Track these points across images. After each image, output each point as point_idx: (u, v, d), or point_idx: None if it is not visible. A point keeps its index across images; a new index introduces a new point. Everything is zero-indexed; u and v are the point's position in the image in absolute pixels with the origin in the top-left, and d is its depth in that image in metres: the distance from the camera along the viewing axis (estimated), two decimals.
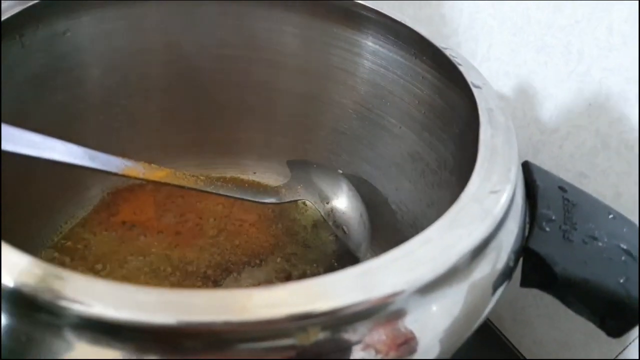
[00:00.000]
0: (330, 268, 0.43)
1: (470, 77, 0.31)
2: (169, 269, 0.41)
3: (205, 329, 0.18)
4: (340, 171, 0.45)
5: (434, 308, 0.21)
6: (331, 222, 0.42)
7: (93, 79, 0.39)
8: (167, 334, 0.18)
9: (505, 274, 0.24)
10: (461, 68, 0.31)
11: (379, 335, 0.20)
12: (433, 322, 0.21)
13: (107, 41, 0.39)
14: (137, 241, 0.42)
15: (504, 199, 0.24)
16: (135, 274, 0.40)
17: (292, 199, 0.42)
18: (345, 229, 0.42)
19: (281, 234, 0.44)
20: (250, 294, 0.18)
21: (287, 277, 0.42)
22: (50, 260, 0.40)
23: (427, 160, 0.40)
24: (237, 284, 0.41)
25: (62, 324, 0.18)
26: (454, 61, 0.32)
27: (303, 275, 0.42)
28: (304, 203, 0.45)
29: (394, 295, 0.19)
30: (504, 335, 0.51)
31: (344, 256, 0.44)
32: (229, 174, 0.49)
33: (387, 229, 0.44)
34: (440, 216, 0.38)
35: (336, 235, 0.44)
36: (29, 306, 0.18)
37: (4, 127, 0.23)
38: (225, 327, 0.18)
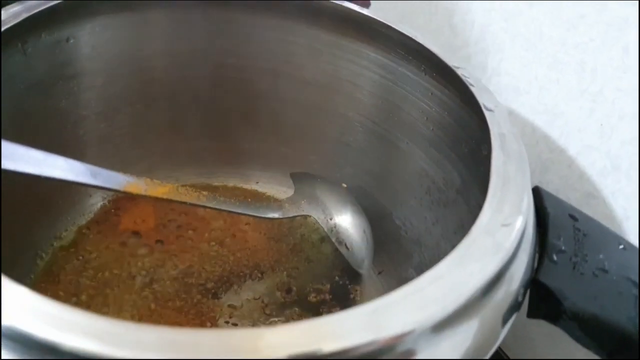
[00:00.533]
0: (331, 283, 0.42)
1: (482, 99, 0.30)
2: (168, 282, 0.40)
3: None
4: (345, 185, 0.44)
5: (444, 346, 0.20)
6: (334, 238, 0.41)
7: (95, 86, 0.39)
8: None
9: (515, 307, 0.24)
10: (473, 89, 0.31)
11: None
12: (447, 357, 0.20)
13: (110, 49, 0.38)
14: (136, 251, 0.41)
15: (516, 232, 0.23)
16: (134, 285, 0.39)
17: (296, 214, 0.41)
18: (348, 246, 0.41)
19: (283, 246, 0.44)
20: (261, 334, 0.18)
21: (288, 291, 0.41)
22: (49, 269, 0.39)
23: (433, 177, 0.39)
24: (237, 296, 0.40)
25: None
26: (465, 81, 0.31)
27: (303, 290, 0.41)
28: (305, 217, 0.44)
29: (404, 335, 0.19)
30: (503, 352, 0.50)
31: (347, 270, 0.43)
32: (231, 183, 0.49)
33: (391, 244, 0.43)
34: (444, 234, 0.38)
35: (336, 250, 0.43)
36: (25, 343, 0.17)
37: (5, 144, 0.22)
38: None
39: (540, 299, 0.25)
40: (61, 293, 0.37)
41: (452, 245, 0.37)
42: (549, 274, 0.25)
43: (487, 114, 0.29)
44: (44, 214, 0.40)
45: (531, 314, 0.26)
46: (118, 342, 0.17)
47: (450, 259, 0.21)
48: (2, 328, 0.17)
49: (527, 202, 0.25)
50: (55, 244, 0.40)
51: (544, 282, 0.25)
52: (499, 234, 0.22)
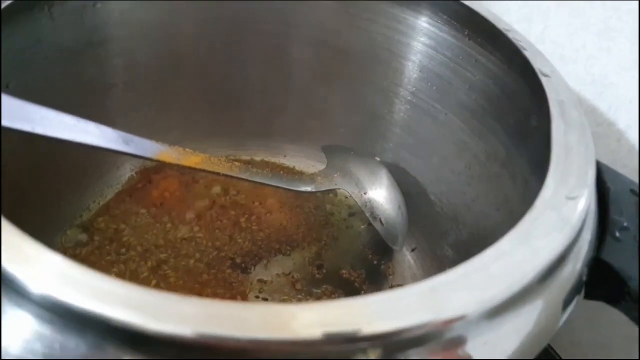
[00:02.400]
0: (362, 258, 0.41)
1: (537, 64, 0.28)
2: (197, 254, 0.39)
3: (248, 346, 0.16)
4: (378, 159, 0.42)
5: (504, 330, 0.19)
6: (368, 213, 0.40)
7: (123, 54, 0.37)
8: (192, 348, 0.16)
9: (577, 289, 0.22)
10: (526, 53, 0.29)
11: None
12: (501, 345, 0.19)
13: (138, 14, 0.37)
14: (165, 223, 0.40)
15: (582, 205, 0.21)
16: (162, 258, 0.38)
17: (329, 188, 0.39)
18: (383, 221, 0.39)
19: (314, 222, 0.42)
20: (300, 310, 0.16)
21: (318, 267, 0.40)
22: (77, 240, 0.38)
23: (474, 150, 0.37)
24: (267, 271, 0.39)
25: (88, 330, 0.16)
26: (517, 45, 0.29)
27: (334, 266, 0.40)
28: (339, 191, 0.43)
29: (465, 316, 0.17)
30: (555, 352, 0.49)
31: (376, 246, 0.42)
32: (259, 156, 0.47)
33: (425, 221, 0.42)
34: (485, 211, 0.37)
35: (370, 225, 0.42)
36: (60, 313, 0.16)
37: (36, 107, 0.21)
38: (271, 347, 0.16)
39: (602, 279, 0.24)
40: (90, 263, 0.36)
41: (494, 223, 0.36)
42: (613, 253, 0.23)
43: (543, 79, 0.27)
44: (72, 186, 0.39)
45: (590, 295, 0.24)
46: (158, 314, 0.15)
47: (513, 234, 0.19)
48: (37, 297, 0.16)
49: (592, 174, 0.23)
50: (83, 215, 0.40)
51: (607, 260, 0.23)
52: (564, 208, 0.21)
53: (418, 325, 0.16)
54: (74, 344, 0.16)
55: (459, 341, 0.18)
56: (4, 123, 0.20)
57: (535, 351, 0.21)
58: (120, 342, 0.16)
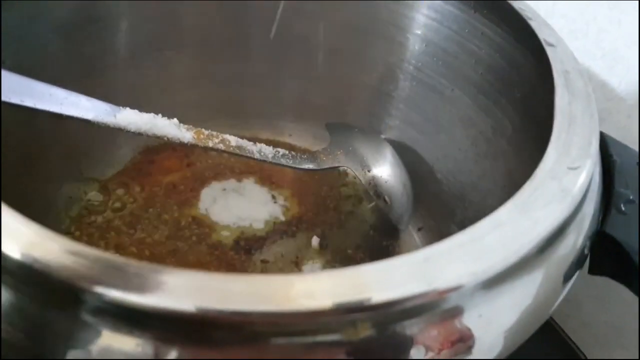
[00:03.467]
0: (367, 239, 0.40)
1: (542, 34, 0.27)
2: (200, 236, 0.39)
3: (238, 319, 0.16)
4: (383, 136, 0.41)
5: (501, 302, 0.18)
6: (372, 191, 0.39)
7: (123, 30, 0.37)
8: (191, 322, 0.16)
9: (579, 263, 0.21)
10: (532, 23, 0.28)
11: (437, 332, 0.17)
12: (498, 318, 0.18)
13: None
14: (167, 204, 0.40)
15: (583, 176, 0.20)
16: (164, 240, 0.38)
17: (332, 166, 0.39)
18: (387, 199, 0.39)
19: (317, 201, 0.42)
20: (292, 281, 0.16)
21: (322, 246, 0.40)
22: (78, 220, 0.38)
23: (480, 127, 0.36)
24: (270, 252, 0.39)
25: (81, 307, 0.16)
26: (523, 15, 0.28)
27: (339, 246, 0.40)
28: (343, 170, 0.42)
29: (459, 287, 0.17)
30: (580, 351, 0.48)
31: (382, 227, 0.41)
32: (263, 135, 0.46)
33: (431, 200, 0.41)
34: (492, 189, 0.36)
35: (375, 205, 0.41)
36: (51, 287, 0.16)
37: (25, 80, 0.21)
38: (261, 319, 0.16)
39: (606, 254, 0.23)
40: (89, 243, 0.36)
41: (501, 201, 0.35)
42: (617, 226, 0.22)
43: (548, 49, 0.26)
44: (74, 166, 0.39)
45: (594, 270, 0.24)
46: (140, 287, 0.15)
47: (512, 204, 0.19)
48: (35, 272, 0.16)
49: (595, 145, 0.22)
50: (84, 195, 0.40)
51: (611, 234, 0.22)
52: (565, 179, 0.20)
53: (411, 295, 0.16)
54: (62, 320, 0.16)
55: (455, 312, 0.17)
56: None
57: (535, 325, 0.20)
58: (115, 318, 0.16)
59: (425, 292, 0.16)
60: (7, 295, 0.16)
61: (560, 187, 0.19)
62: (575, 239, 0.20)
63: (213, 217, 0.40)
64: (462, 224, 0.38)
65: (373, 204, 0.41)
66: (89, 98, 0.24)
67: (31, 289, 0.16)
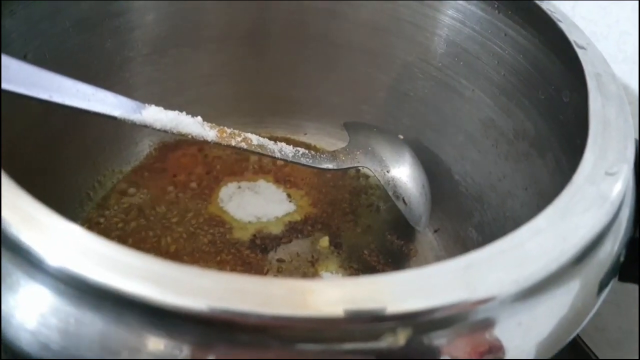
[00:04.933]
0: (383, 240, 0.40)
1: (572, 36, 0.27)
2: (216, 235, 0.38)
3: (266, 323, 0.15)
4: (400, 136, 0.41)
5: (539, 311, 0.18)
6: (391, 192, 0.39)
7: (142, 26, 0.37)
8: (213, 324, 0.15)
9: (614, 271, 0.21)
10: (561, 25, 0.27)
11: (468, 343, 0.17)
12: (532, 329, 0.18)
13: None
14: (182, 201, 0.40)
15: (621, 182, 0.20)
16: (180, 237, 0.38)
17: (351, 166, 0.38)
18: (406, 200, 0.38)
19: (333, 201, 0.41)
20: (318, 286, 0.16)
21: (338, 246, 0.39)
22: (94, 215, 0.38)
23: (502, 128, 0.36)
24: (286, 251, 0.39)
25: (104, 304, 0.16)
26: (552, 16, 0.28)
27: (355, 246, 0.39)
28: (360, 170, 0.42)
29: (501, 295, 0.16)
30: (591, 351, 0.47)
31: (398, 228, 0.41)
32: (279, 133, 0.46)
33: (449, 201, 0.41)
34: (512, 191, 0.35)
35: (393, 205, 0.41)
36: (76, 286, 0.16)
37: (53, 76, 0.20)
38: (288, 323, 0.15)
39: (638, 259, 0.23)
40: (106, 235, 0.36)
41: (521, 203, 0.34)
42: None
43: (579, 52, 0.26)
44: (91, 161, 0.39)
45: (625, 277, 0.23)
46: (178, 288, 0.15)
47: (551, 211, 0.18)
48: (53, 269, 0.15)
49: (631, 150, 0.22)
50: (100, 190, 0.39)
51: None
52: (603, 184, 0.19)
53: (451, 304, 0.16)
54: (90, 318, 0.16)
55: (490, 322, 0.17)
56: (22, 90, 0.19)
57: (568, 337, 0.20)
58: (137, 316, 0.16)
59: (465, 300, 0.16)
60: (41, 296, 0.16)
61: (599, 192, 0.19)
62: (612, 246, 0.20)
63: (229, 216, 0.39)
64: (480, 227, 0.38)
65: (389, 204, 0.41)
66: (116, 95, 0.24)
67: (64, 290, 0.16)
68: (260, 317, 0.15)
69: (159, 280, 0.15)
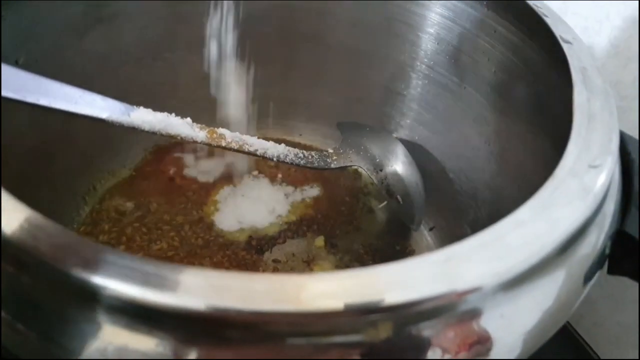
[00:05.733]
0: (378, 239, 0.40)
1: (558, 31, 0.27)
2: (211, 237, 0.38)
3: (255, 319, 0.16)
4: (395, 135, 0.41)
5: (522, 303, 0.18)
6: (384, 190, 0.39)
7: (135, 29, 0.37)
8: (207, 321, 0.16)
9: (600, 263, 0.21)
10: (547, 20, 0.27)
11: (455, 334, 0.17)
12: (518, 320, 0.18)
13: None
14: (178, 202, 0.40)
15: (605, 174, 0.20)
16: (176, 238, 0.38)
17: (344, 165, 0.39)
18: (400, 199, 0.38)
19: (330, 201, 0.42)
20: (309, 281, 0.16)
21: (333, 246, 0.39)
22: (88, 219, 0.38)
23: (494, 125, 0.36)
24: (282, 252, 0.39)
25: (98, 306, 0.16)
26: (538, 12, 0.28)
27: (350, 246, 0.39)
28: (354, 169, 0.42)
29: (481, 288, 0.16)
30: (593, 351, 0.47)
31: (393, 227, 0.41)
32: (273, 135, 0.46)
33: (443, 199, 0.41)
34: (506, 188, 0.35)
35: (386, 205, 0.41)
36: (66, 285, 0.16)
37: (40, 79, 0.21)
38: (278, 319, 0.16)
39: (626, 253, 0.23)
40: (99, 241, 0.36)
41: (514, 200, 0.34)
42: (637, 225, 0.22)
43: (565, 46, 0.26)
44: (86, 165, 0.39)
45: (613, 269, 0.23)
46: (166, 287, 0.15)
47: (533, 203, 0.18)
48: (53, 271, 0.16)
49: (616, 142, 0.22)
50: (96, 194, 0.39)
51: (630, 233, 0.22)
52: (586, 177, 0.20)
53: (432, 296, 0.16)
54: (76, 317, 0.16)
55: (475, 314, 0.17)
56: (7, 94, 0.19)
57: (555, 327, 0.20)
58: (131, 317, 0.16)
59: (446, 292, 0.16)
60: (22, 294, 0.16)
61: (582, 185, 0.19)
62: (597, 239, 0.20)
63: (224, 216, 0.39)
64: (475, 224, 0.38)
65: (384, 203, 0.41)
66: (104, 97, 0.24)
67: (48, 288, 0.16)
68: (246, 313, 0.15)
69: (146, 279, 0.15)
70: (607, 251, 0.21)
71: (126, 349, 0.16)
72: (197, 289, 0.16)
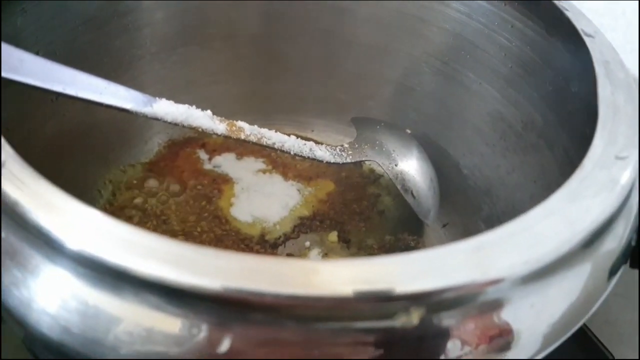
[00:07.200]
0: (392, 234, 0.40)
1: (580, 25, 0.27)
2: (224, 232, 0.38)
3: (277, 301, 0.16)
4: (409, 131, 0.41)
5: (551, 293, 0.18)
6: (399, 185, 0.39)
7: (151, 24, 0.37)
8: (233, 303, 0.16)
9: (625, 256, 0.21)
10: (568, 14, 0.27)
11: (476, 325, 0.17)
12: (541, 313, 0.18)
13: None
14: (192, 197, 0.40)
15: (632, 166, 0.20)
16: (189, 234, 0.38)
17: (359, 159, 0.38)
18: (415, 194, 0.38)
19: (342, 196, 0.41)
20: (334, 266, 0.16)
21: (346, 241, 0.39)
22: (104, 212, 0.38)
23: (509, 121, 0.36)
24: (296, 247, 0.39)
25: (123, 286, 0.16)
26: (559, 6, 0.28)
27: (364, 241, 0.39)
28: (368, 164, 0.42)
29: (511, 276, 0.16)
30: (608, 351, 0.47)
31: (407, 223, 0.41)
32: (286, 131, 0.46)
33: (457, 195, 0.41)
34: (521, 183, 0.35)
35: (401, 200, 0.41)
36: (96, 268, 0.16)
37: (67, 70, 0.21)
38: (301, 302, 0.16)
39: None
40: None
41: (531, 196, 0.34)
42: None
43: (587, 40, 0.26)
44: (101, 159, 0.39)
45: (635, 263, 0.23)
46: (194, 269, 0.15)
47: (562, 194, 0.18)
48: (72, 253, 0.16)
49: None
50: (110, 187, 0.39)
51: None
52: (614, 168, 0.20)
53: (463, 284, 0.16)
54: (109, 300, 0.16)
55: (497, 305, 0.17)
56: (36, 83, 0.19)
57: (576, 323, 0.20)
58: (155, 297, 0.16)
59: (478, 280, 0.16)
60: (61, 279, 0.16)
61: (610, 176, 0.19)
62: (623, 231, 0.20)
63: (238, 211, 0.39)
64: (489, 220, 0.38)
65: (397, 200, 0.41)
66: (127, 88, 0.24)
67: (84, 273, 0.16)
68: (274, 296, 0.15)
69: (176, 261, 0.16)
70: (633, 243, 0.21)
71: (155, 331, 0.16)
72: (222, 272, 0.16)
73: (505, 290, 0.17)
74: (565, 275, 0.18)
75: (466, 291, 0.16)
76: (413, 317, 0.16)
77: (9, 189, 0.17)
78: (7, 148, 0.18)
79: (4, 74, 0.19)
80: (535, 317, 0.18)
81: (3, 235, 0.17)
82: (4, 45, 0.20)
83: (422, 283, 0.15)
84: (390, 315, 0.16)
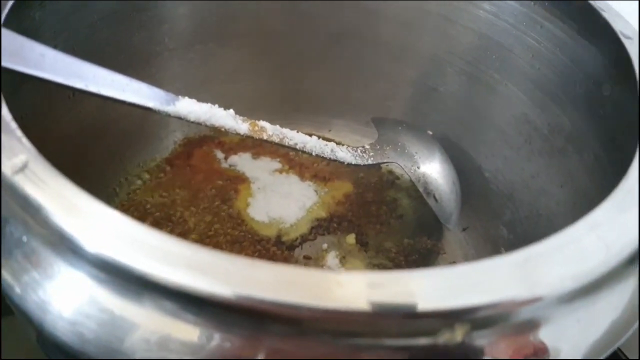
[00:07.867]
0: (411, 237, 0.39)
1: (618, 27, 0.26)
2: (241, 233, 0.38)
3: (293, 312, 0.15)
4: (430, 132, 0.40)
5: (598, 307, 0.17)
6: (422, 188, 0.38)
7: (169, 20, 0.36)
8: (250, 312, 0.15)
9: None
10: (605, 15, 0.26)
11: (509, 344, 0.16)
12: (594, 324, 0.17)
13: None
14: (207, 197, 0.39)
15: None
16: (205, 234, 0.37)
17: (380, 161, 0.38)
18: (437, 197, 0.38)
19: (360, 198, 0.41)
20: (365, 279, 0.15)
21: (364, 244, 0.38)
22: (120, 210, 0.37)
23: (535, 124, 0.35)
24: (313, 248, 0.38)
25: (145, 292, 0.15)
26: (595, 6, 0.27)
27: (382, 244, 0.39)
28: (388, 166, 0.41)
29: (561, 291, 0.15)
30: (622, 352, 0.46)
31: (425, 226, 0.40)
32: (303, 130, 0.45)
33: (478, 199, 0.40)
34: (546, 188, 0.34)
35: (420, 203, 0.40)
36: (118, 274, 0.15)
37: (89, 66, 0.20)
38: (318, 315, 0.15)
39: None
40: None
41: (556, 201, 0.33)
42: None
43: (625, 42, 0.25)
44: (118, 157, 0.38)
45: None
46: (215, 276, 0.14)
47: (609, 204, 0.18)
48: (92, 257, 0.15)
49: None
50: (126, 186, 0.39)
51: None
52: None
53: (514, 299, 0.15)
54: (128, 306, 0.16)
55: (546, 319, 0.16)
56: (59, 79, 0.19)
57: (623, 335, 0.19)
58: (172, 304, 0.15)
59: (525, 296, 0.15)
60: (79, 284, 0.16)
61: None
62: None
63: (255, 211, 0.39)
64: (512, 225, 0.37)
65: (415, 202, 0.40)
66: (149, 86, 0.23)
67: (103, 278, 0.15)
68: (295, 307, 0.15)
69: (195, 267, 0.15)
70: None
71: (171, 339, 0.16)
72: (258, 283, 0.15)
73: (553, 305, 0.16)
74: (614, 288, 0.17)
75: (513, 307, 0.15)
76: (457, 335, 0.15)
77: (32, 191, 0.16)
78: (29, 147, 0.17)
79: (27, 71, 0.18)
80: (583, 332, 0.17)
81: (24, 238, 0.17)
82: (26, 40, 0.19)
83: (468, 298, 0.15)
84: (434, 332, 0.15)
